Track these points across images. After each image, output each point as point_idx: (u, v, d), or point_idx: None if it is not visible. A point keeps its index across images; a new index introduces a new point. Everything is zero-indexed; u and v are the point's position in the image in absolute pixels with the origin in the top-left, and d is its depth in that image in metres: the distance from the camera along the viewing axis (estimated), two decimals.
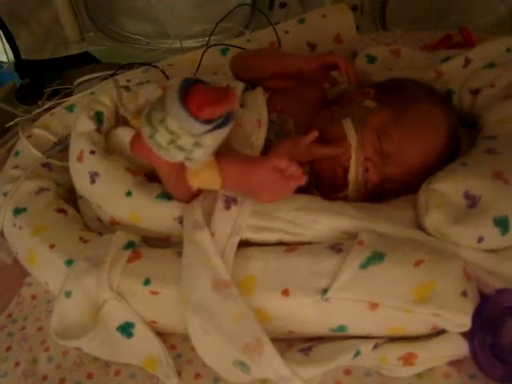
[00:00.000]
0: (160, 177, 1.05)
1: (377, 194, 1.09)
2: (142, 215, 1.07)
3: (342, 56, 1.22)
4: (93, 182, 1.12)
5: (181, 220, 1.03)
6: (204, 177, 0.95)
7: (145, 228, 1.08)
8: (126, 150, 1.12)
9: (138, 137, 0.90)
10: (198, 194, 1.03)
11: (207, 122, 0.83)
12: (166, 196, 1.06)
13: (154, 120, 0.85)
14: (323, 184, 1.08)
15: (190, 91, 0.83)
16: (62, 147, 1.28)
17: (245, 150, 1.10)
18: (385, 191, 1.09)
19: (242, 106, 1.18)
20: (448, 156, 1.11)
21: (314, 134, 1.05)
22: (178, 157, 0.87)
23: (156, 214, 1.06)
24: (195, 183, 0.96)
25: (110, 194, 1.10)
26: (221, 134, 0.87)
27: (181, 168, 0.92)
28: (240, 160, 0.98)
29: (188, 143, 0.85)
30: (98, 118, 1.19)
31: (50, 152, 1.28)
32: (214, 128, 0.85)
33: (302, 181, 0.94)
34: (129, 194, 1.07)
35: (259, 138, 1.13)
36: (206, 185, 0.97)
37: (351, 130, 1.08)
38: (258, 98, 1.19)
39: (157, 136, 0.85)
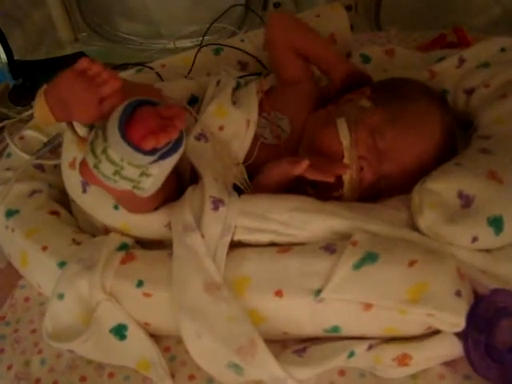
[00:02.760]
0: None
1: (374, 193, 1.09)
2: (132, 226, 1.07)
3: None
4: (84, 191, 1.11)
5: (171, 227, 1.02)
6: (41, 116, 0.88)
7: (137, 236, 1.08)
8: None
9: (85, 163, 0.84)
10: (154, 207, 1.04)
11: (152, 152, 0.77)
12: (156, 206, 1.05)
13: (96, 149, 0.79)
14: (318, 183, 1.08)
15: (134, 117, 0.77)
16: (51, 147, 1.28)
17: (231, 150, 1.11)
18: (382, 190, 1.09)
19: (234, 103, 1.18)
20: (445, 155, 1.11)
21: (306, 162, 1.01)
22: (126, 186, 0.82)
23: (146, 225, 1.06)
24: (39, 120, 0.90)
25: (100, 205, 1.10)
26: (170, 161, 0.82)
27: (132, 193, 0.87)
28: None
29: (134, 174, 0.80)
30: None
31: (40, 153, 1.27)
32: (161, 157, 0.80)
33: (117, 83, 0.81)
34: (116, 207, 1.07)
35: (246, 138, 1.14)
36: (45, 121, 0.90)
37: (345, 129, 1.08)
38: (251, 97, 1.19)
39: (100, 166, 0.80)
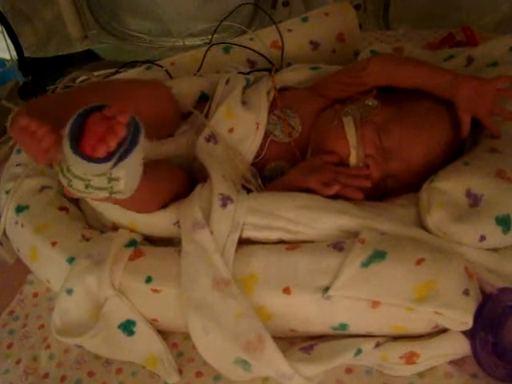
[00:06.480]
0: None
1: (380, 192, 1.09)
2: (141, 224, 1.07)
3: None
4: None
5: (179, 224, 1.02)
6: None
7: (145, 233, 1.08)
8: None
9: None
10: (160, 206, 1.04)
11: (107, 157, 0.76)
12: (163, 205, 1.05)
13: (63, 170, 0.79)
14: None
15: (85, 128, 0.77)
16: None
17: (240, 151, 1.12)
18: (388, 189, 1.09)
19: (243, 103, 1.18)
20: (452, 153, 1.11)
21: (336, 188, 1.01)
22: (103, 195, 0.82)
23: (154, 223, 1.06)
24: None
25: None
26: (133, 158, 0.79)
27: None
28: None
29: (102, 183, 0.79)
30: None
31: None
32: (120, 158, 0.77)
33: (52, 139, 0.79)
34: None
35: (256, 140, 1.15)
36: None
37: (351, 128, 1.08)
38: (261, 98, 1.19)
39: (72, 184, 0.79)
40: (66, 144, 0.76)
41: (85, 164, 0.76)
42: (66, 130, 0.77)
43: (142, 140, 0.80)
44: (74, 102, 0.81)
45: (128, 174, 0.81)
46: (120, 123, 0.76)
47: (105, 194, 0.82)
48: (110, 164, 0.77)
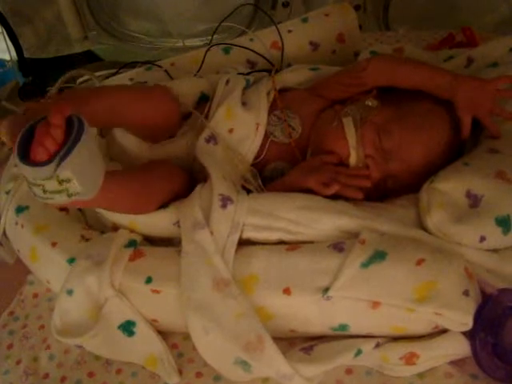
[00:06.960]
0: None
1: (380, 192, 1.09)
2: (141, 224, 1.07)
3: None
4: None
5: (179, 224, 1.02)
6: None
7: (145, 233, 1.08)
8: (124, 152, 1.13)
9: None
10: (156, 207, 1.04)
11: (49, 160, 0.77)
12: (162, 204, 1.06)
13: (25, 180, 0.81)
14: None
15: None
16: None
17: (240, 152, 1.12)
18: (389, 189, 1.09)
19: (243, 104, 1.18)
20: (452, 154, 1.11)
21: (335, 188, 1.01)
22: (62, 199, 0.81)
23: (154, 223, 1.06)
24: None
25: None
26: (77, 156, 0.78)
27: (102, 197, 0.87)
28: None
29: (53, 185, 0.79)
30: None
31: None
32: (62, 157, 0.77)
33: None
34: None
35: (256, 140, 1.15)
36: None
37: (351, 128, 1.08)
38: (261, 99, 1.19)
39: (33, 191, 0.80)
40: (15, 154, 0.78)
41: (31, 169, 0.78)
42: (16, 142, 0.79)
43: (87, 138, 0.80)
44: None
45: (79, 172, 0.80)
46: (55, 125, 0.77)
47: (64, 197, 0.81)
48: (52, 165, 0.77)
